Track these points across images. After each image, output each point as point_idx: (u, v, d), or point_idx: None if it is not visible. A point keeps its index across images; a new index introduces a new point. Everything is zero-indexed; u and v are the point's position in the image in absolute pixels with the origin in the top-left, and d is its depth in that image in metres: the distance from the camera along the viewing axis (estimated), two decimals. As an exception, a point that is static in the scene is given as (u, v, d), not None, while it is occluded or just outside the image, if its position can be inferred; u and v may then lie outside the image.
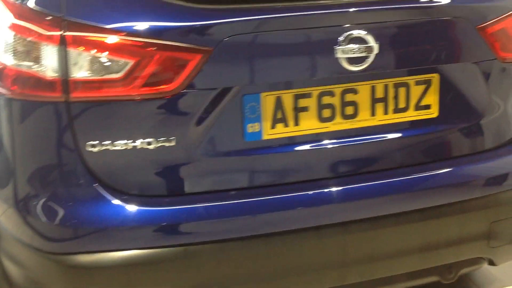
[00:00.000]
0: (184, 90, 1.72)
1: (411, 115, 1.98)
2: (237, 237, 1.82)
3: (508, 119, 2.14)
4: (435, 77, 1.98)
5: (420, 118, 2.00)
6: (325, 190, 1.92)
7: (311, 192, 1.90)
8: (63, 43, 1.66)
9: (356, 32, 1.81)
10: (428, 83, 1.97)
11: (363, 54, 1.83)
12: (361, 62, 1.83)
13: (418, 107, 1.98)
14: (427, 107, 2.00)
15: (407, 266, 2.04)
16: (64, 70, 1.67)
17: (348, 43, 1.81)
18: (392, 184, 1.98)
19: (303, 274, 1.91)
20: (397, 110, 1.96)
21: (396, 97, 1.95)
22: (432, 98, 1.99)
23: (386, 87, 1.93)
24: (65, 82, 1.67)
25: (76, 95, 1.68)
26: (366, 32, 1.82)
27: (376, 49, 1.83)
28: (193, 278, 1.81)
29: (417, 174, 2.01)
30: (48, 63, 1.67)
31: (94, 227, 1.77)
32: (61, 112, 1.70)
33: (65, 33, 1.66)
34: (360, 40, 1.82)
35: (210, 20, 1.73)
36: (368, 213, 1.94)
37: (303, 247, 1.89)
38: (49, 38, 1.66)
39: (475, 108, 2.06)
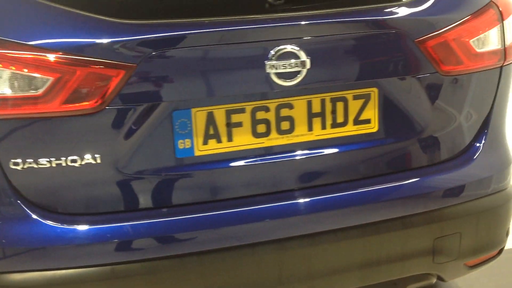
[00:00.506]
0: (108, 107, 1.68)
1: (350, 129, 1.95)
2: (167, 256, 1.78)
3: (453, 134, 2.10)
4: (374, 92, 1.94)
5: (359, 133, 1.96)
6: (262, 206, 1.88)
7: (246, 209, 1.86)
8: None
9: (286, 47, 1.77)
10: (367, 97, 1.94)
11: (295, 69, 1.79)
12: (293, 77, 1.80)
13: (357, 122, 1.95)
14: (367, 121, 1.96)
15: (348, 283, 2.00)
16: None
17: (278, 58, 1.77)
18: (331, 199, 1.94)
19: None
20: (335, 125, 1.93)
21: (333, 111, 1.91)
22: (372, 113, 1.95)
23: (323, 101, 1.90)
24: None
25: None
26: (297, 47, 1.78)
27: (308, 64, 1.80)
28: None
29: (358, 189, 1.97)
30: None
31: (20, 246, 1.73)
32: None
33: None
34: (291, 55, 1.78)
35: (133, 36, 1.69)
36: (305, 230, 1.90)
37: (237, 265, 1.85)
38: None
39: (417, 122, 2.03)
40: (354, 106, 1.93)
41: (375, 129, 1.97)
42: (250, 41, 1.78)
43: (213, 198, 1.87)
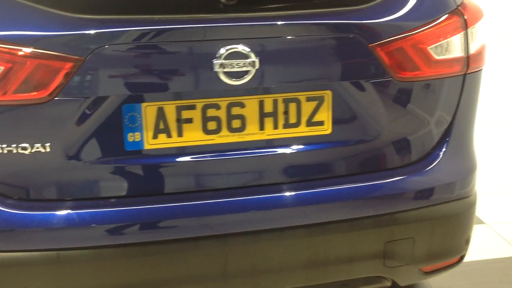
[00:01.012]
0: (57, 98, 1.74)
1: (303, 131, 1.97)
2: (111, 245, 1.83)
3: (410, 140, 2.11)
4: (327, 94, 1.96)
5: (312, 134, 1.98)
6: (209, 202, 1.92)
7: (193, 203, 1.90)
8: None
9: (235, 47, 1.81)
10: (320, 99, 1.96)
11: (243, 69, 1.82)
12: (241, 77, 1.83)
13: (310, 123, 1.97)
14: (320, 123, 1.98)
15: (293, 282, 2.03)
16: None
17: (226, 58, 1.80)
18: (279, 198, 1.97)
19: (179, 286, 1.91)
20: (287, 126, 1.95)
21: (286, 112, 1.94)
22: (325, 115, 1.98)
23: (275, 102, 1.92)
24: None
25: None
26: (246, 47, 1.82)
27: (257, 65, 1.83)
28: (67, 283, 1.83)
29: (308, 189, 2.00)
30: None
31: None
32: None
33: None
34: (239, 55, 1.81)
35: (81, 30, 1.74)
36: (251, 227, 1.93)
37: (180, 258, 1.89)
38: None
39: (372, 127, 2.04)
40: (307, 107, 1.95)
41: (328, 131, 1.99)
42: (198, 39, 1.82)
43: (161, 192, 1.91)
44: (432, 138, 2.14)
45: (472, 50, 2.11)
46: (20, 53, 1.70)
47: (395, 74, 1.99)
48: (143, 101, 1.82)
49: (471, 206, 2.22)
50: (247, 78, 1.84)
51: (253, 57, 1.82)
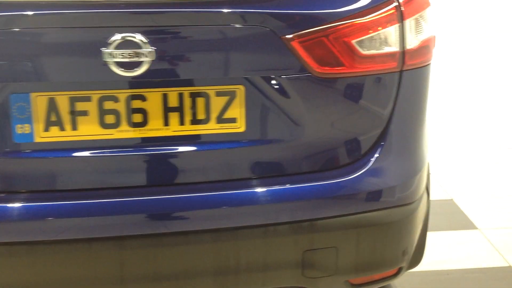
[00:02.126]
0: None
1: (213, 127, 1.83)
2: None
3: (336, 141, 1.93)
4: (240, 89, 1.81)
5: (224, 132, 1.84)
6: (106, 201, 1.80)
7: (88, 202, 1.79)
8: None
9: (126, 35, 1.68)
10: (231, 95, 1.81)
11: (136, 60, 1.69)
12: (134, 68, 1.70)
13: (221, 120, 1.82)
14: (232, 120, 1.83)
15: None
16: None
17: (117, 47, 1.68)
18: (184, 200, 1.83)
19: (76, 285, 1.81)
20: (195, 122, 1.82)
21: (193, 107, 1.80)
22: (238, 111, 1.82)
23: (180, 96, 1.79)
24: None
25: None
26: (139, 36, 1.68)
27: (152, 55, 1.69)
28: None
29: (217, 191, 1.86)
30: None
31: None
32: None
33: None
34: (131, 44, 1.68)
35: None
36: (151, 229, 1.81)
37: (72, 258, 1.79)
38: None
39: (291, 126, 1.87)
40: (217, 103, 1.81)
41: (241, 129, 1.84)
42: (87, 26, 1.69)
43: (53, 188, 1.81)
44: (362, 140, 1.95)
45: (410, 45, 1.91)
46: None
47: (314, 70, 1.81)
48: (32, 90, 1.72)
49: (410, 214, 2.02)
50: (142, 70, 1.70)
51: (148, 47, 1.69)
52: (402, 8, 1.88)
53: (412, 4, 1.91)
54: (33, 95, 1.72)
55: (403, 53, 1.90)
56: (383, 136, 1.96)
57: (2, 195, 1.78)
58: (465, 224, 3.56)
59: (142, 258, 1.82)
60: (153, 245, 1.81)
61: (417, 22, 1.93)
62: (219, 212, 1.85)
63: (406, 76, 1.93)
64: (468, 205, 3.79)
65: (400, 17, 1.88)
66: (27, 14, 1.67)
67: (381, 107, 1.94)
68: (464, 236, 3.42)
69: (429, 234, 2.36)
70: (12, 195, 1.78)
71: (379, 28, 1.85)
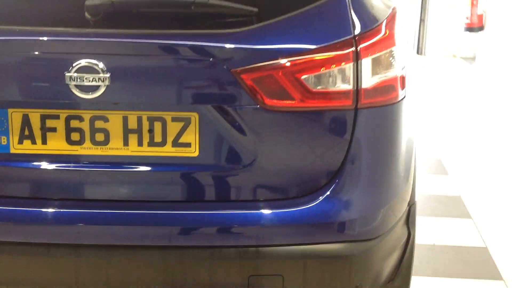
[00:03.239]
0: None
1: (169, 151, 1.96)
2: None
3: (287, 172, 1.99)
4: (194, 116, 1.93)
5: (179, 155, 1.97)
6: (65, 210, 1.98)
7: (52, 211, 1.98)
8: None
9: (84, 61, 1.86)
10: (186, 121, 1.94)
11: (93, 84, 1.87)
12: (91, 91, 1.88)
13: (176, 144, 1.96)
14: (187, 145, 1.96)
15: None
16: None
17: (77, 71, 1.86)
18: (135, 216, 1.97)
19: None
20: (152, 144, 1.96)
21: (151, 130, 1.95)
22: (192, 137, 1.95)
23: (139, 119, 1.94)
24: None
25: None
26: (98, 62, 1.86)
27: (108, 80, 1.86)
28: None
29: (169, 210, 1.98)
30: None
31: None
32: None
33: None
34: (90, 69, 1.86)
35: None
36: (104, 240, 1.96)
37: (30, 261, 1.98)
38: None
39: (242, 154, 1.97)
40: (173, 128, 1.95)
41: (195, 154, 1.96)
42: (54, 52, 1.90)
43: (22, 195, 2.01)
44: (316, 173, 2.01)
45: (365, 84, 1.95)
46: None
47: (262, 102, 1.91)
48: (9, 107, 1.94)
49: (365, 250, 2.04)
50: (98, 93, 1.88)
51: (103, 73, 1.86)
52: (359, 48, 1.93)
53: (370, 44, 1.96)
54: (10, 110, 1.94)
55: (358, 92, 1.94)
56: (339, 170, 2.00)
57: None
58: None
59: (94, 268, 1.98)
60: (105, 256, 1.97)
61: (376, 62, 1.97)
62: (168, 230, 1.97)
63: (362, 114, 1.97)
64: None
65: (356, 56, 1.93)
66: (5, 40, 1.91)
67: (336, 142, 1.99)
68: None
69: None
70: None
71: (331, 66, 1.91)
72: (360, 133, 1.99)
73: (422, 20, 9.19)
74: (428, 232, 3.73)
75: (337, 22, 1.97)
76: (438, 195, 4.41)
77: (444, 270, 3.33)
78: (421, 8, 9.16)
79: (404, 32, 2.37)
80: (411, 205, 2.28)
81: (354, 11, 1.99)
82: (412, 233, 2.28)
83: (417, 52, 9.21)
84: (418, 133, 5.61)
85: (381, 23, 2.05)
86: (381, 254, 2.10)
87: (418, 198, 4.22)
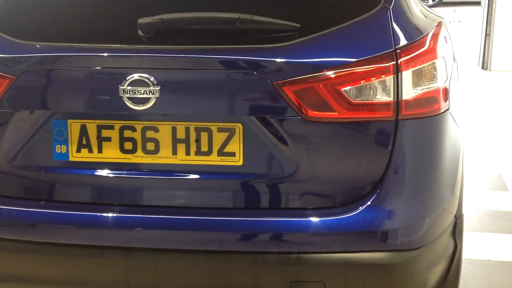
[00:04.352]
0: None
1: (215, 159, 2.06)
2: (30, 241, 2.12)
3: (329, 182, 2.05)
4: (238, 127, 2.02)
5: (224, 164, 2.06)
6: (121, 215, 2.10)
7: (107, 215, 2.11)
8: None
9: (136, 75, 1.98)
10: (231, 131, 2.03)
11: (144, 96, 1.99)
12: (142, 103, 2.00)
13: (221, 153, 2.05)
14: (232, 154, 2.05)
15: None
16: None
17: (130, 84, 1.99)
18: (186, 221, 2.07)
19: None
20: (199, 153, 2.06)
21: (198, 140, 2.05)
22: (237, 147, 2.04)
23: (187, 129, 2.05)
24: None
25: None
26: (149, 76, 1.98)
27: (158, 93, 1.98)
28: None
29: (215, 216, 2.07)
30: None
31: None
32: None
33: None
34: (141, 83, 1.98)
35: (13, 53, 2.08)
36: (154, 244, 2.07)
37: (88, 264, 2.11)
38: None
39: (285, 164, 2.04)
40: (218, 137, 2.04)
41: (239, 163, 2.05)
42: (109, 66, 2.05)
43: (80, 200, 2.16)
44: (358, 183, 2.05)
45: (406, 96, 1.99)
46: None
47: (304, 114, 1.98)
48: (68, 118, 2.09)
49: (407, 260, 2.06)
50: (148, 105, 2.00)
51: (154, 86, 1.98)
52: (399, 61, 1.98)
53: (412, 57, 2.00)
54: (69, 121, 2.09)
55: (398, 103, 1.98)
56: (381, 180, 2.04)
57: (42, 202, 2.16)
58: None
59: (144, 271, 2.09)
60: (154, 259, 2.07)
61: (417, 74, 2.01)
62: (213, 235, 2.06)
63: (403, 125, 2.01)
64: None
65: (396, 69, 1.97)
66: (63, 56, 2.07)
67: (377, 153, 2.03)
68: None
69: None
70: (48, 203, 2.16)
71: (372, 78, 1.97)
72: (401, 144, 2.03)
73: (487, 35, 9.00)
74: (485, 248, 3.68)
75: (379, 36, 2.02)
76: (497, 210, 4.34)
77: (499, 285, 3.27)
78: (487, 22, 8.99)
79: (452, 46, 2.39)
80: (458, 217, 2.29)
81: (396, 25, 2.04)
82: (459, 245, 2.29)
83: (482, 67, 9.02)
84: (477, 148, 5.54)
85: (424, 36, 2.10)
86: (424, 264, 2.12)
87: (477, 214, 4.19)
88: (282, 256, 2.03)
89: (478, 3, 12.51)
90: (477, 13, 10.77)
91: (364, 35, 2.04)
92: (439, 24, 2.27)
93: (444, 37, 2.25)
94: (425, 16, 2.26)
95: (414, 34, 2.08)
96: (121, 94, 2.00)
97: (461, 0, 15.73)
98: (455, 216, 2.26)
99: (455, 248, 2.27)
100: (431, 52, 2.06)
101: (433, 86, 2.05)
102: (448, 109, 2.13)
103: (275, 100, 1.98)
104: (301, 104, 1.97)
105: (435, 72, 2.06)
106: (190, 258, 2.06)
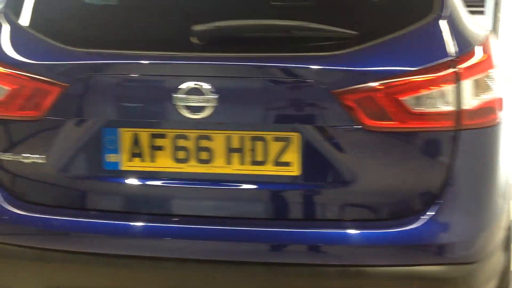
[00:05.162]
0: (47, 117, 2.05)
1: (270, 169, 2.02)
2: (81, 251, 2.07)
3: (389, 193, 2.01)
4: (295, 136, 1.99)
5: (279, 174, 2.02)
6: (174, 226, 2.06)
7: (159, 225, 2.06)
8: None
9: (192, 83, 1.95)
10: (287, 140, 2.00)
11: (199, 104, 1.95)
12: (198, 112, 1.96)
13: (277, 163, 2.02)
14: (287, 164, 2.01)
15: None
16: None
17: (185, 93, 1.95)
18: (242, 233, 2.03)
19: None
20: (254, 163, 2.03)
21: (253, 150, 2.02)
22: (293, 156, 2.00)
23: (241, 139, 2.01)
24: None
25: None
26: (205, 84, 1.94)
27: (215, 101, 1.95)
28: (47, 277, 2.12)
29: (271, 228, 2.03)
30: None
31: None
32: None
33: None
34: (197, 91, 1.95)
35: (66, 60, 2.04)
36: (208, 256, 2.03)
37: (138, 273, 2.06)
38: None
39: (343, 174, 2.01)
40: (274, 147, 2.01)
41: (296, 173, 2.02)
42: (163, 74, 2.01)
43: (132, 210, 2.11)
44: (417, 194, 2.02)
45: (467, 105, 1.97)
46: (22, 77, 2.05)
47: (363, 123, 1.95)
48: (120, 126, 2.05)
49: (466, 274, 2.02)
50: (205, 114, 1.96)
51: (210, 94, 1.95)
52: (459, 69, 1.95)
53: (470, 66, 1.98)
54: (121, 130, 2.05)
55: (459, 113, 1.96)
56: (440, 191, 2.01)
57: (92, 212, 2.12)
58: None
59: (200, 282, 2.05)
60: (209, 270, 2.03)
61: (477, 84, 1.99)
62: (268, 246, 2.03)
63: (463, 136, 1.98)
64: None
65: (456, 78, 1.95)
66: (117, 63, 2.03)
67: (436, 164, 2.00)
68: None
69: None
70: (98, 213, 2.11)
71: (432, 88, 1.94)
72: (461, 155, 1.99)
73: (493, 44, 9.02)
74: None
75: (437, 44, 2.00)
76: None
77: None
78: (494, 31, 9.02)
79: (500, 56, 2.38)
80: (509, 229, 2.26)
81: (454, 33, 2.02)
82: (510, 257, 2.27)
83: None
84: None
85: (480, 45, 2.08)
86: (482, 278, 2.08)
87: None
88: (339, 269, 2.00)
89: (482, 12, 12.53)
90: (481, 22, 10.77)
91: (421, 43, 2.02)
92: (489, 34, 2.26)
93: (495, 47, 2.23)
94: (475, 26, 2.24)
95: (471, 42, 2.06)
96: (175, 102, 1.97)
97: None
98: (507, 229, 2.23)
99: (508, 261, 2.24)
100: (488, 61, 2.04)
101: (491, 95, 2.03)
102: (501, 120, 2.11)
103: (333, 109, 1.95)
104: (359, 113, 1.94)
105: (492, 82, 2.04)
106: (248, 270, 2.02)
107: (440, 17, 2.05)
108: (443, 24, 2.03)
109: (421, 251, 2.01)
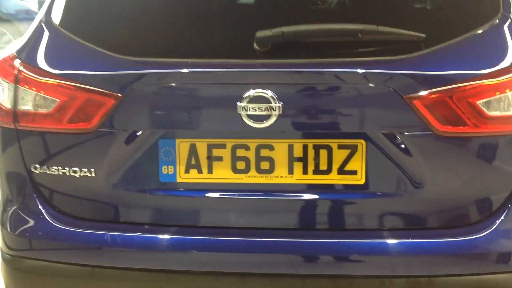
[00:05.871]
0: (100, 129, 1.96)
1: (334, 178, 1.94)
2: (137, 268, 1.99)
3: (458, 200, 1.93)
4: (361, 143, 1.90)
5: (344, 183, 1.94)
6: (235, 239, 1.98)
7: (219, 239, 1.98)
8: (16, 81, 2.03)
9: (257, 91, 1.86)
10: (353, 148, 1.91)
11: (264, 113, 1.86)
12: (263, 120, 1.87)
13: (342, 172, 1.93)
14: (353, 172, 1.93)
15: None
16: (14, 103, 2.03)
17: (250, 101, 1.86)
18: (308, 245, 1.95)
19: None
20: (317, 172, 1.94)
21: (316, 158, 1.93)
22: (359, 164, 1.92)
23: (305, 147, 1.92)
24: (14, 112, 2.04)
25: (22, 124, 2.03)
26: (270, 92, 1.86)
27: (279, 110, 1.86)
28: None
29: (337, 239, 1.95)
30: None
31: (28, 237, 2.08)
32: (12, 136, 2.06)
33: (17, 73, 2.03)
34: (262, 99, 1.86)
35: (121, 70, 1.94)
36: (270, 269, 1.95)
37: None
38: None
39: (412, 181, 1.92)
40: (339, 155, 1.92)
41: (361, 181, 1.93)
42: (225, 82, 1.92)
43: (189, 224, 2.03)
44: (488, 201, 1.94)
45: None
46: (72, 88, 1.96)
47: (435, 128, 1.86)
48: (177, 137, 1.96)
49: None
50: (269, 122, 1.87)
51: (275, 102, 1.86)
52: None
53: None
54: (177, 141, 1.96)
55: None
56: (510, 197, 1.93)
57: (147, 226, 2.03)
58: None
59: None
60: (271, 285, 1.95)
61: None
62: (337, 259, 1.94)
63: None
64: None
65: None
66: (175, 72, 1.93)
67: (509, 168, 1.91)
68: None
69: None
70: (153, 227, 2.02)
71: (507, 90, 1.85)
72: None
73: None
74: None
75: (508, 46, 1.91)
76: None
77: None
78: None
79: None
80: None
81: None
82: None
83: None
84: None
85: None
86: None
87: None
88: (411, 279, 1.91)
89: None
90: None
91: (492, 44, 1.93)
92: None
93: None
94: None
95: None
96: (239, 111, 1.88)
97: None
98: None
99: None
100: None
101: None
102: None
103: (405, 115, 1.86)
104: (433, 118, 1.85)
105: None
106: (313, 283, 1.94)
107: (506, 17, 1.96)
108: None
109: (491, 259, 1.93)
